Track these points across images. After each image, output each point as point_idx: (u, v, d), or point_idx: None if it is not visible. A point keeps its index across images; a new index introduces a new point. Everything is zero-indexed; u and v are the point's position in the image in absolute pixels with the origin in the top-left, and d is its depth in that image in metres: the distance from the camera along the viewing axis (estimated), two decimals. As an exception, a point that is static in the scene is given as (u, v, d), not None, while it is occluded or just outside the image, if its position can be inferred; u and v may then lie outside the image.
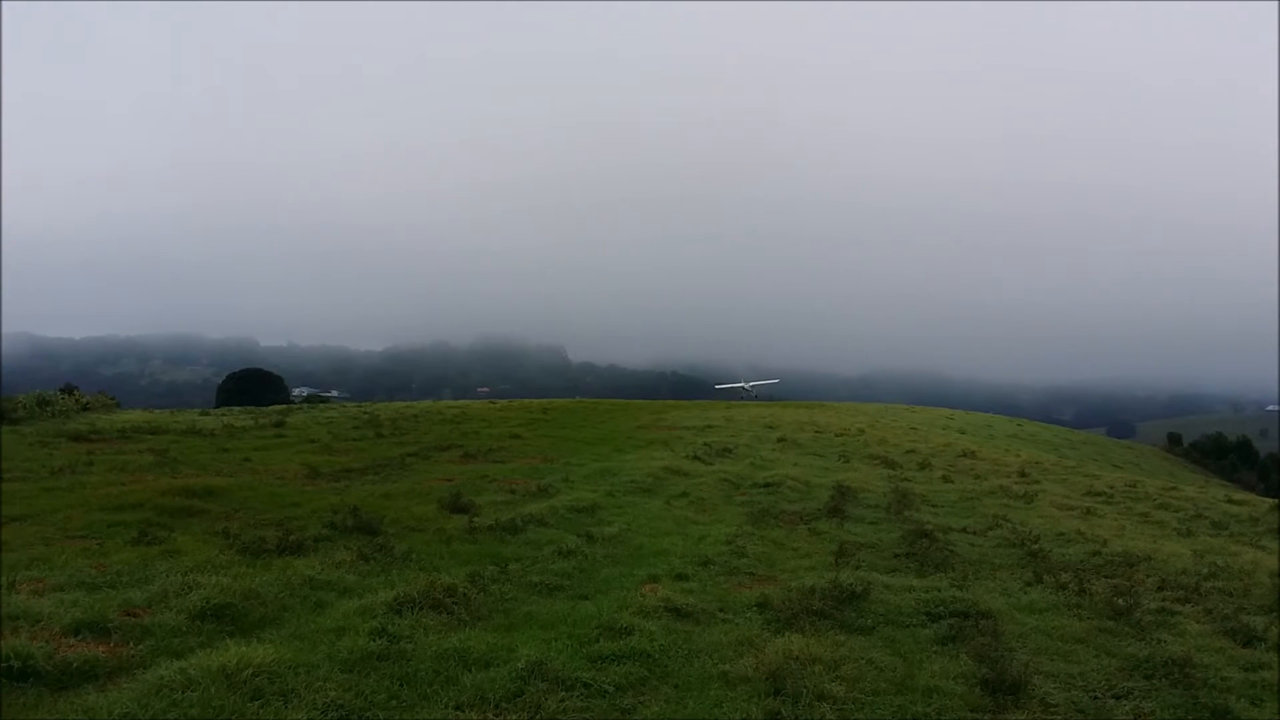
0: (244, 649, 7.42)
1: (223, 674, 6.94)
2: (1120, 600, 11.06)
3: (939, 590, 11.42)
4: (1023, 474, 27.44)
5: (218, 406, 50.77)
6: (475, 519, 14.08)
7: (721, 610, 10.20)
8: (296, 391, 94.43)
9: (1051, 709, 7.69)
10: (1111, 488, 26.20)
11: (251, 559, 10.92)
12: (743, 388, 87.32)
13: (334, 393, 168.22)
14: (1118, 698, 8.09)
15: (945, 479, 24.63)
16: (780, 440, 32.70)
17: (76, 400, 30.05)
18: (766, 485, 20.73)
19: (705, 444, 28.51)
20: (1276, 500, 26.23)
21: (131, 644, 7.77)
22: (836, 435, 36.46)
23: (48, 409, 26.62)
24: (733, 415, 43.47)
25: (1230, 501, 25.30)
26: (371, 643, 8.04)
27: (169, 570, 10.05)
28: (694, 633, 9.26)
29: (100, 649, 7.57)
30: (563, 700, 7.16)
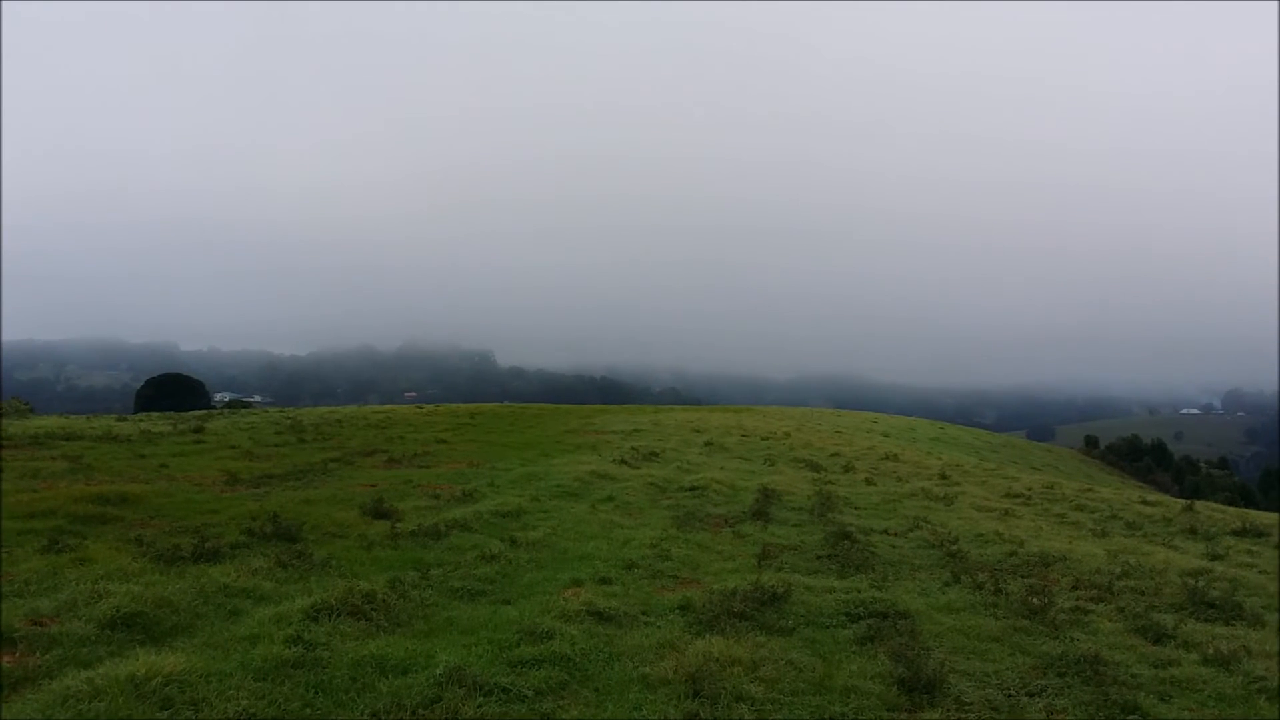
0: (154, 658, 7.25)
1: (131, 683, 6.77)
2: (1035, 599, 11.27)
3: (859, 591, 11.54)
4: (943, 476, 27.86)
5: (136, 412, 49.68)
6: (398, 524, 13.92)
7: (644, 613, 10.21)
8: (218, 397, 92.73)
9: (966, 707, 7.80)
10: (1029, 490, 26.69)
11: (165, 567, 10.65)
12: None
13: (257, 398, 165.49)
14: (1031, 695, 8.23)
15: (868, 481, 24.93)
16: (707, 444, 32.85)
17: (-13, 405, 29.19)
18: (692, 489, 20.79)
19: (633, 448, 28.54)
20: (1189, 501, 26.91)
21: (38, 654, 7.54)
22: (763, 439, 36.70)
23: (-45, 414, 25.81)
24: (660, 420, 43.58)
25: (1144, 503, 25.89)
26: (286, 650, 7.89)
27: (79, 578, 9.77)
28: (615, 636, 9.25)
29: (5, 659, 7.35)
30: (481, 706, 7.11)
